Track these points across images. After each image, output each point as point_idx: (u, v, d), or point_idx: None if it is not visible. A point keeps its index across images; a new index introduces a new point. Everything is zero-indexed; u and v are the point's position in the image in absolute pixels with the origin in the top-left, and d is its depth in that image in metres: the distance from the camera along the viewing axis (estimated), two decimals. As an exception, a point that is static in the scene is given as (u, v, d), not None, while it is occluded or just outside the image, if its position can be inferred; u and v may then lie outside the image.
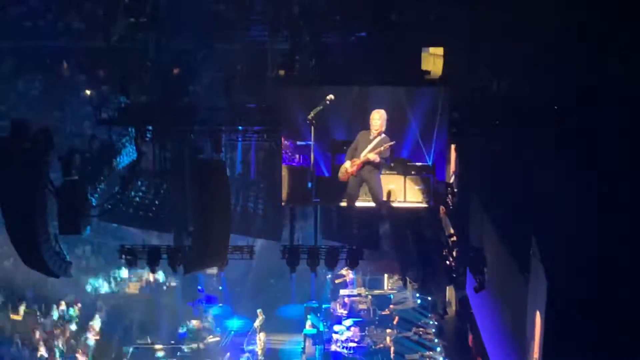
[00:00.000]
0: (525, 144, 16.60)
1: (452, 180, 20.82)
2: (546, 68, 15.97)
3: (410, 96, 18.47)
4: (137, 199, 20.78)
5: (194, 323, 26.66)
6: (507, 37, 17.04)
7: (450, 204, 19.85)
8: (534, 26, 16.10)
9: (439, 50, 18.55)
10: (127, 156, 19.39)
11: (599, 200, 13.30)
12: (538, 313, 13.99)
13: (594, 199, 13.38)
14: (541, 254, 13.60)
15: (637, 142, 13.30)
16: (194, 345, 26.01)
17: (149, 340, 25.88)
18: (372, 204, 18.79)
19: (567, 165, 14.32)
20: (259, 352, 25.76)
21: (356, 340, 25.70)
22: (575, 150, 14.46)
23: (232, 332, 27.01)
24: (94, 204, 18.54)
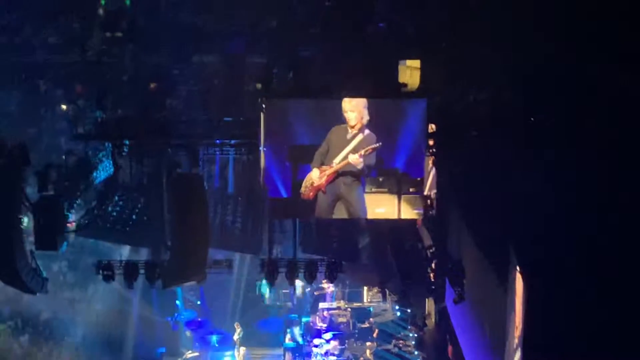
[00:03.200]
0: (503, 154, 16.66)
1: (430, 192, 20.84)
2: (523, 78, 16.06)
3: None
4: (114, 213, 20.64)
5: None
6: (483, 49, 17.14)
7: (429, 216, 19.87)
8: (510, 37, 16.20)
9: (416, 63, 18.58)
10: (103, 171, 19.29)
11: (577, 210, 13.36)
12: (517, 323, 14.01)
13: (572, 208, 13.45)
14: (520, 264, 13.64)
15: (616, 149, 13.40)
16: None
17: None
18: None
19: (545, 175, 14.39)
20: (239, 367, 25.66)
21: (336, 353, 25.63)
22: (553, 160, 14.53)
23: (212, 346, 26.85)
24: (70, 219, 18.43)
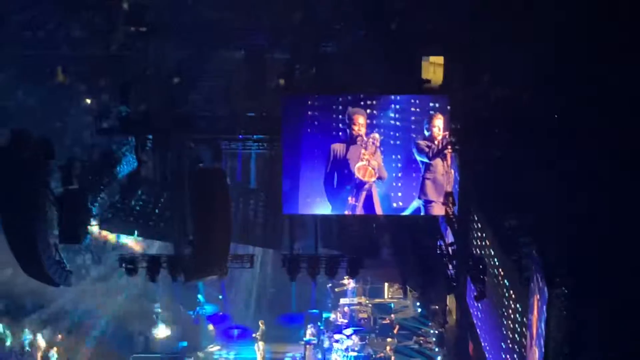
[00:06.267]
0: (525, 152, 16.59)
1: (452, 189, 20.78)
2: (545, 75, 15.97)
3: None
4: (138, 207, 20.76)
5: None
6: (506, 46, 17.04)
7: (451, 213, 19.82)
8: (533, 34, 16.11)
9: (439, 59, 18.52)
10: (127, 165, 19.40)
11: (600, 209, 13.26)
12: (537, 322, 13.96)
13: (595, 207, 13.35)
14: (542, 262, 13.58)
15: (638, 148, 13.27)
16: (194, 355, 25.95)
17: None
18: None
19: (569, 175, 14.31)
20: (260, 361, 25.71)
21: (356, 349, 25.61)
22: (576, 158, 14.44)
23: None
24: (94, 213, 18.56)
